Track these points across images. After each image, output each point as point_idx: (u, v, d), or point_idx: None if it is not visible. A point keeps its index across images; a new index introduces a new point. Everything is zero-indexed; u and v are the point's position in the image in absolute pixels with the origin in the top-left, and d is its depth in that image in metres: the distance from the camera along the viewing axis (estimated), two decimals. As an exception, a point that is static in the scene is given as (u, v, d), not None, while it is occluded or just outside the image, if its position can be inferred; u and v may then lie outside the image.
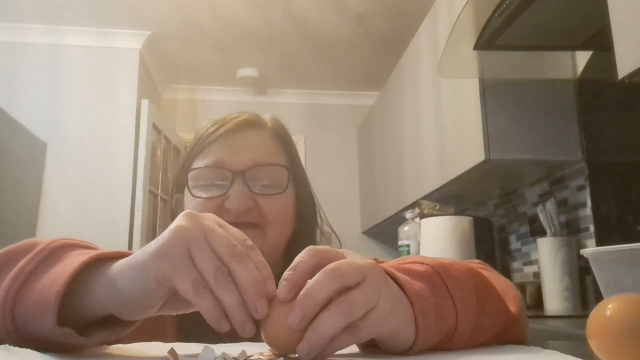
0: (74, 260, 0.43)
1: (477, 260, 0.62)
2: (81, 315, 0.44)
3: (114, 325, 0.45)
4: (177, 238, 0.40)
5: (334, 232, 0.84)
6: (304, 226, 0.79)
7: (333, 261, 0.40)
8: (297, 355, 0.39)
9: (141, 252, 0.42)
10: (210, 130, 0.76)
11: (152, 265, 0.40)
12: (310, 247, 0.42)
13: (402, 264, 0.49)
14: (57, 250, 0.46)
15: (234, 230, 0.44)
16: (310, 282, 0.39)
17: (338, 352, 0.45)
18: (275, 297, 0.41)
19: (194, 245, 0.40)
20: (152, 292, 0.41)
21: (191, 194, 0.73)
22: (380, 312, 0.40)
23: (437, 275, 0.46)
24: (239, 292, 0.40)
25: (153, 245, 0.41)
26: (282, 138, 0.80)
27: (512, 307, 0.53)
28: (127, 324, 0.46)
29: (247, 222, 0.71)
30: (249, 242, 0.43)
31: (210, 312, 0.39)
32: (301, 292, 0.39)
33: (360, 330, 0.40)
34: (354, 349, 0.48)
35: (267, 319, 0.40)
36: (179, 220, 0.42)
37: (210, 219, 0.43)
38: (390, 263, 0.50)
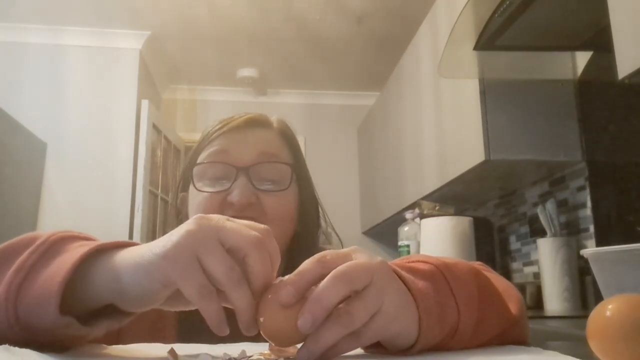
0: (75, 252, 0.44)
1: (478, 263, 0.62)
2: (83, 306, 0.44)
3: (115, 314, 0.46)
4: (186, 242, 0.40)
5: (337, 234, 0.84)
6: (306, 227, 0.79)
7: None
8: (296, 355, 0.39)
9: (148, 250, 0.42)
10: (217, 127, 0.77)
11: (158, 268, 0.40)
12: (318, 254, 0.42)
13: (407, 262, 0.49)
14: (58, 243, 0.46)
15: (244, 221, 0.44)
16: (320, 286, 0.39)
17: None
18: (272, 293, 0.41)
19: (205, 247, 0.40)
20: (156, 292, 0.41)
21: (196, 188, 0.73)
22: (384, 316, 0.40)
23: (441, 275, 0.47)
24: (250, 294, 0.40)
25: (161, 246, 0.41)
26: (287, 138, 0.80)
27: (513, 308, 0.53)
28: (128, 313, 0.46)
29: (247, 217, 0.71)
30: (261, 225, 0.44)
31: (214, 317, 0.40)
32: (311, 297, 0.39)
33: (362, 335, 0.40)
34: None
35: (265, 313, 0.40)
36: (189, 224, 0.42)
37: (220, 218, 0.43)
38: (395, 261, 0.50)
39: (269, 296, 0.40)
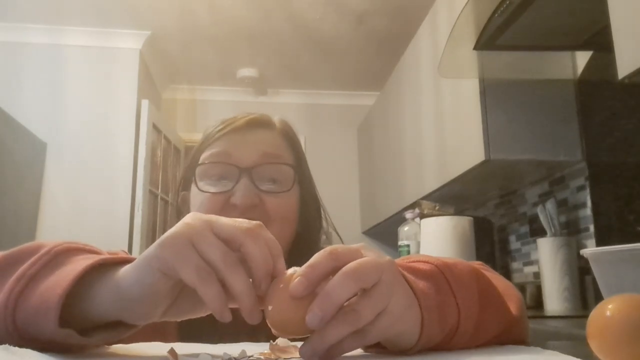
0: (78, 265, 0.43)
1: (478, 262, 0.62)
2: (83, 319, 0.44)
3: (117, 327, 0.46)
4: (182, 230, 0.41)
5: (338, 235, 0.84)
6: (307, 228, 0.79)
7: (351, 262, 0.40)
8: (299, 352, 0.39)
9: (145, 251, 0.42)
10: (219, 127, 0.77)
11: (155, 255, 0.41)
12: (329, 247, 0.42)
13: (407, 262, 0.49)
14: (62, 254, 0.46)
15: (239, 219, 0.45)
16: (331, 283, 0.39)
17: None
18: (283, 283, 0.41)
19: (199, 237, 0.41)
20: (156, 286, 0.41)
21: (198, 188, 0.73)
22: (389, 316, 0.40)
23: (441, 275, 0.47)
24: (248, 278, 0.40)
25: (157, 241, 0.42)
26: (289, 138, 0.80)
27: (513, 308, 0.53)
28: (130, 325, 0.46)
29: (251, 219, 0.71)
30: (256, 222, 0.44)
31: (215, 301, 0.39)
32: (322, 293, 0.39)
33: (367, 334, 0.40)
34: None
35: (274, 302, 0.40)
36: (184, 219, 0.43)
37: (213, 215, 0.44)
38: (396, 261, 0.50)
39: (280, 285, 0.40)
